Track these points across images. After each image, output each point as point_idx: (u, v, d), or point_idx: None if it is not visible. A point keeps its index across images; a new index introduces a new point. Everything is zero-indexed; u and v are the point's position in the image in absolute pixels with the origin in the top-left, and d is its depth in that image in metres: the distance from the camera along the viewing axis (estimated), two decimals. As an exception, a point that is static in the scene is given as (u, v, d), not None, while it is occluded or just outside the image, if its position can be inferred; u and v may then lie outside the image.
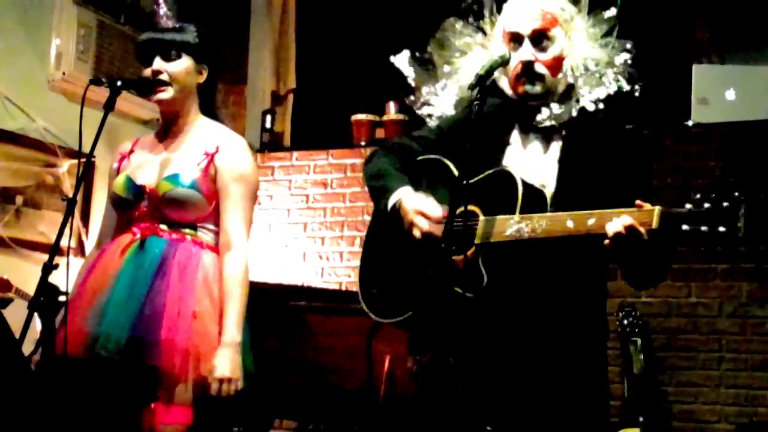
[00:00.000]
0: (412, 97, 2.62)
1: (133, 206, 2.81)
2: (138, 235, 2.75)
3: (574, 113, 2.39)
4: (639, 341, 4.27)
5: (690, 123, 4.61)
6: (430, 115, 2.59)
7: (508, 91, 2.44)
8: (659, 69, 4.46)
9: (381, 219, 2.52)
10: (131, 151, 2.96)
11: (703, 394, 4.46)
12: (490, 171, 2.34)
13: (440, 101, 2.57)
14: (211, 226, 2.83)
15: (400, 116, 5.43)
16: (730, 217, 1.99)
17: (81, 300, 2.73)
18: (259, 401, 2.88)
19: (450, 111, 2.57)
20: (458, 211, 2.29)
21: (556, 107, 2.39)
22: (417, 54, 2.61)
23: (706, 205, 2.01)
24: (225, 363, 2.63)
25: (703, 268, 4.54)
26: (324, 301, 3.90)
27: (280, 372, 3.38)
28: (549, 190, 2.33)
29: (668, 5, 4.76)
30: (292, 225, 5.53)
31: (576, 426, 2.32)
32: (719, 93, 4.55)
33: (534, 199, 2.27)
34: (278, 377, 3.36)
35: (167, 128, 2.92)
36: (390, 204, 2.41)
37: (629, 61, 2.37)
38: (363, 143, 5.47)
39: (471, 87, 2.25)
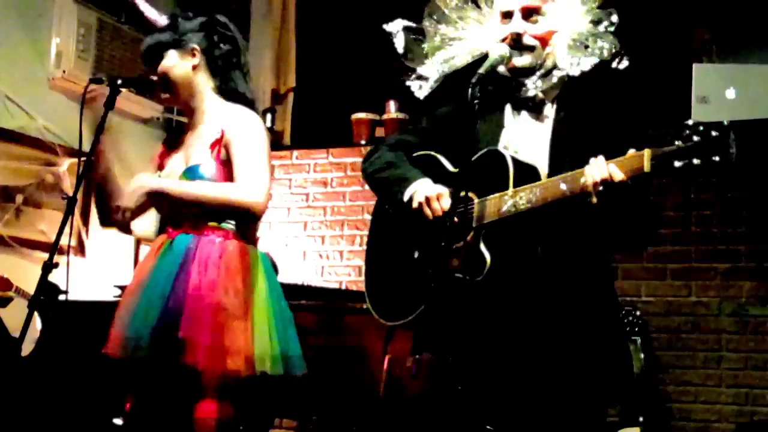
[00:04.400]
0: (408, 75, 2.57)
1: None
2: (169, 235, 2.78)
3: (555, 80, 2.38)
4: (639, 340, 4.28)
5: (690, 122, 4.60)
6: (420, 87, 2.56)
7: (500, 68, 2.42)
8: (659, 68, 4.47)
9: (387, 214, 2.52)
10: (162, 152, 2.95)
11: (702, 393, 4.45)
12: (479, 154, 2.34)
13: (431, 72, 2.54)
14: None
15: (400, 115, 5.43)
16: (721, 145, 1.99)
17: (122, 302, 2.77)
18: (259, 400, 2.88)
19: (436, 80, 2.54)
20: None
21: (540, 79, 2.39)
22: (410, 25, 2.58)
23: (696, 138, 2.02)
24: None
25: (703, 267, 4.54)
26: (324, 300, 3.90)
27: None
28: (543, 167, 2.33)
29: (668, 4, 4.76)
30: (292, 224, 5.53)
31: (577, 422, 2.32)
32: (719, 92, 4.54)
33: (526, 175, 2.27)
34: (278, 376, 3.36)
35: (189, 120, 2.93)
36: (408, 193, 2.40)
37: (612, 30, 2.35)
38: (363, 142, 5.47)
39: (471, 86, 2.25)
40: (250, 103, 2.90)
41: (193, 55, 2.85)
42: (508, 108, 2.46)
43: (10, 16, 4.66)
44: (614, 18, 2.35)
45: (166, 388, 2.66)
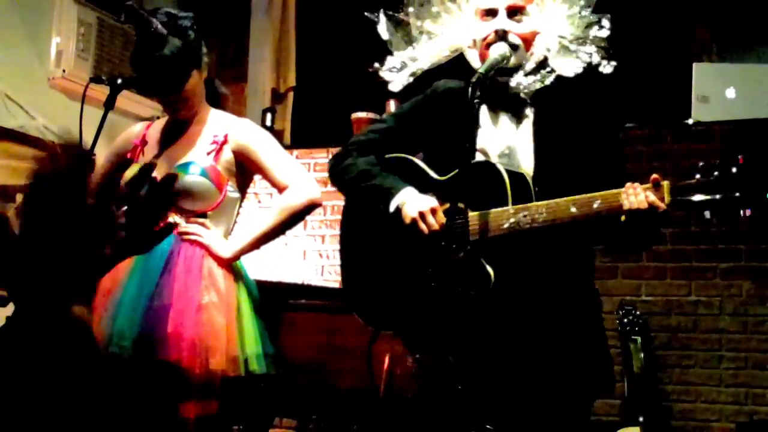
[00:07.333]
0: (376, 64, 2.56)
1: None
2: None
3: (548, 82, 2.35)
4: (639, 340, 4.27)
5: (690, 121, 4.61)
6: (393, 80, 2.53)
7: (477, 65, 2.40)
8: (659, 67, 4.47)
9: (365, 220, 2.49)
10: (144, 142, 2.93)
11: (703, 392, 4.45)
12: (470, 164, 2.30)
13: (411, 66, 2.52)
14: (223, 216, 2.83)
15: (401, 114, 5.41)
16: (741, 181, 2.02)
17: (98, 299, 2.73)
18: (259, 399, 2.88)
19: (411, 74, 2.51)
20: (443, 208, 2.28)
21: (526, 78, 2.36)
22: (392, 14, 2.55)
23: (716, 173, 2.05)
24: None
25: (704, 266, 4.54)
26: (324, 299, 3.90)
27: (280, 370, 3.38)
28: (528, 170, 2.31)
29: (669, 4, 4.76)
30: (292, 223, 5.52)
31: (577, 422, 2.32)
32: (719, 91, 4.55)
33: (519, 185, 2.25)
34: (278, 375, 3.36)
35: (177, 121, 2.90)
36: (394, 205, 2.36)
37: (604, 36, 2.33)
38: (363, 141, 5.46)
39: (471, 86, 2.23)
40: (225, 100, 2.99)
41: (203, 68, 2.84)
42: (483, 108, 2.41)
43: (10, 15, 4.65)
44: (606, 23, 2.32)
45: (150, 386, 2.65)
